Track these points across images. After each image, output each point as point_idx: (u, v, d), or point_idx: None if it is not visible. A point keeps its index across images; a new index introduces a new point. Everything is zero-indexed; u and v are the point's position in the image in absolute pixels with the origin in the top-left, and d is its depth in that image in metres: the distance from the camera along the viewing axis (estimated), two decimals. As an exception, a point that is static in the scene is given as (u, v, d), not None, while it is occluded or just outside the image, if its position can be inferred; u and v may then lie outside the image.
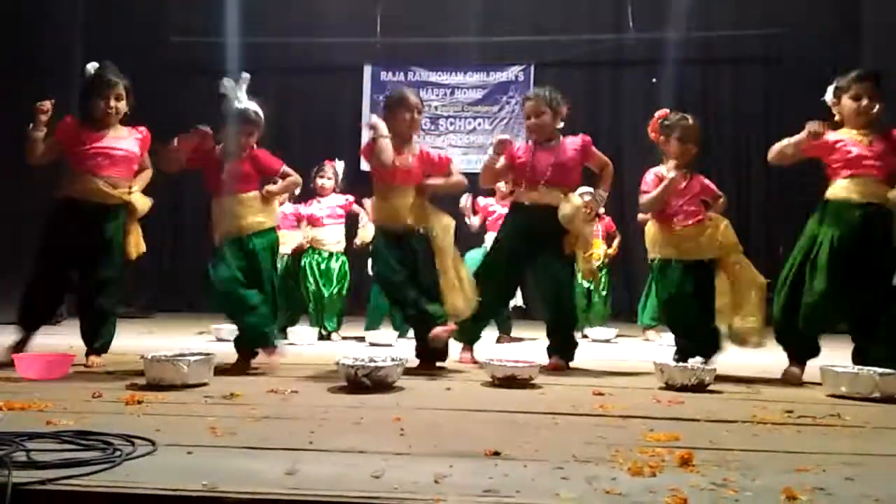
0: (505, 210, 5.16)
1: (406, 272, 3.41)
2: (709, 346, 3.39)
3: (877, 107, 3.17)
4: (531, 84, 8.18)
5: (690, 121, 3.51)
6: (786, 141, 3.27)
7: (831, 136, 3.21)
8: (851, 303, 3.15)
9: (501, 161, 3.58)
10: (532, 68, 8.30)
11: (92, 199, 3.29)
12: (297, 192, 5.44)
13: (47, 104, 3.24)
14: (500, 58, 8.35)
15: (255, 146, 3.44)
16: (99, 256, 3.31)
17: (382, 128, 3.40)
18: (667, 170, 3.49)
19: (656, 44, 7.80)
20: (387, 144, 3.36)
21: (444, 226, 3.49)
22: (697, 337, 3.42)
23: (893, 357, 3.01)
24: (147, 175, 3.56)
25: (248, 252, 3.34)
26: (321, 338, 5.21)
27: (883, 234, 3.13)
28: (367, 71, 8.45)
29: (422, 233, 3.45)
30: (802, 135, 3.20)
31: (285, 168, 3.54)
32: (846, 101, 3.21)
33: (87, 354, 3.35)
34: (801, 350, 3.27)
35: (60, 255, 3.31)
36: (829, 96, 3.28)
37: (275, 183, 3.48)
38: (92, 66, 3.38)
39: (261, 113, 3.44)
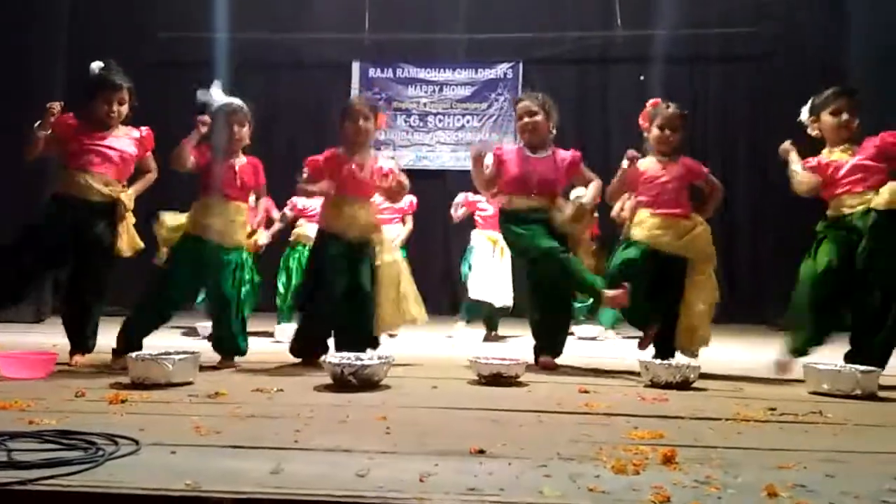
0: (492, 209, 5.22)
1: (345, 287, 3.39)
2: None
3: (856, 122, 3.19)
4: (520, 81, 8.19)
5: (673, 108, 3.50)
6: (795, 169, 3.27)
7: (823, 158, 3.23)
8: (850, 311, 3.20)
9: (490, 168, 3.55)
10: (521, 65, 8.30)
11: (82, 197, 3.27)
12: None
13: (57, 106, 3.23)
14: (489, 55, 8.35)
15: (248, 141, 3.48)
16: (87, 254, 3.30)
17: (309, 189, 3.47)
18: (656, 161, 3.49)
19: (644, 41, 7.83)
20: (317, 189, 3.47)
21: (388, 241, 3.56)
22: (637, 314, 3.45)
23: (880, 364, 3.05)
24: (150, 178, 3.54)
25: (215, 262, 3.32)
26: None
27: (884, 237, 3.08)
28: (356, 67, 8.42)
29: (367, 244, 3.46)
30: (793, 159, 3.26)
31: (263, 186, 3.59)
32: (825, 117, 3.22)
33: (72, 353, 3.33)
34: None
35: (47, 252, 3.28)
36: (804, 116, 3.31)
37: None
38: (97, 66, 3.35)
39: (243, 104, 3.44)
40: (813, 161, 3.27)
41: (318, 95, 8.30)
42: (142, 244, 3.46)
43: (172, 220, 3.49)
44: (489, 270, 5.31)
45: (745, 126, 7.94)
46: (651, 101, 3.60)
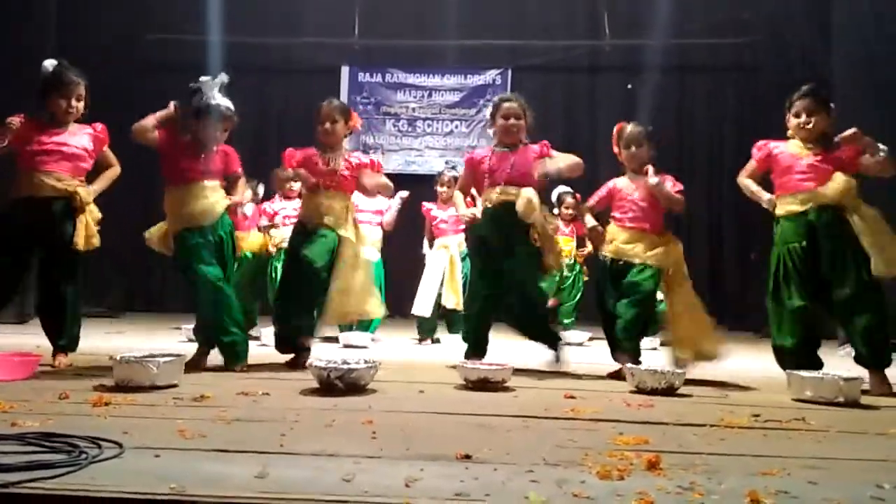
0: (446, 214, 5.31)
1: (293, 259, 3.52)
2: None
3: (812, 122, 3.27)
4: (508, 88, 8.23)
5: (633, 126, 3.62)
6: (753, 188, 3.46)
7: (775, 148, 3.35)
8: (828, 305, 3.23)
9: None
10: (509, 72, 8.34)
11: (41, 196, 3.25)
12: (262, 192, 5.53)
13: (17, 121, 3.21)
14: (478, 61, 8.39)
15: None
16: (55, 250, 3.28)
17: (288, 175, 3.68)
18: (628, 179, 3.60)
19: (632, 50, 7.89)
20: (303, 174, 3.61)
21: (356, 237, 3.58)
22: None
23: (878, 357, 3.12)
24: (112, 173, 3.52)
25: (216, 241, 3.36)
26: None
27: (838, 231, 3.17)
28: (345, 72, 8.44)
29: (333, 232, 3.51)
30: (762, 196, 3.41)
31: (239, 170, 3.59)
32: (790, 117, 3.36)
33: (54, 354, 3.30)
34: (803, 367, 3.16)
35: (14, 252, 3.26)
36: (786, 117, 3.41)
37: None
38: (50, 64, 3.33)
39: (233, 108, 3.46)
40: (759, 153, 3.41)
41: (308, 99, 8.24)
42: (97, 242, 3.39)
43: (156, 230, 3.46)
44: (434, 282, 5.34)
45: (732, 135, 8.02)
46: (617, 126, 3.69)
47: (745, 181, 3.49)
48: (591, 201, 3.73)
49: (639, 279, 3.44)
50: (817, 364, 3.21)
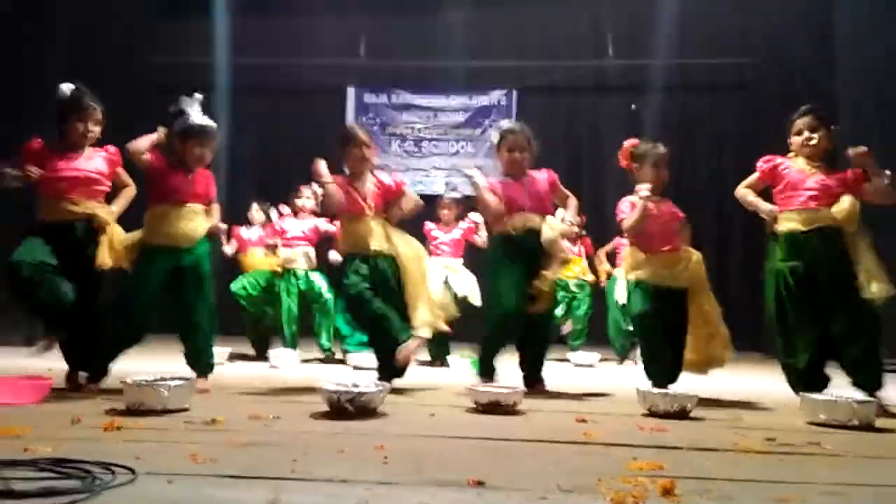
0: (447, 238, 5.32)
1: (372, 289, 3.53)
2: (671, 372, 3.46)
3: (815, 139, 3.28)
4: (513, 108, 8.28)
5: (662, 148, 3.61)
6: (750, 198, 3.46)
7: (781, 164, 3.35)
8: (827, 325, 3.21)
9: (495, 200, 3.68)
10: (514, 93, 8.40)
11: (62, 220, 3.27)
12: (275, 216, 5.60)
13: (36, 172, 3.22)
14: (483, 82, 8.45)
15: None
16: (82, 274, 3.27)
17: (325, 174, 3.57)
18: (638, 196, 3.55)
19: (636, 70, 7.94)
20: (334, 189, 3.55)
21: (409, 247, 3.64)
22: (661, 358, 3.49)
23: (872, 379, 3.11)
24: (129, 193, 3.54)
25: (192, 263, 3.37)
26: (325, 360, 5.34)
27: (838, 254, 3.19)
28: (351, 93, 8.51)
29: (388, 254, 3.56)
30: (760, 206, 3.41)
31: (215, 195, 3.61)
32: (792, 137, 3.36)
33: (68, 375, 3.32)
34: (812, 385, 3.17)
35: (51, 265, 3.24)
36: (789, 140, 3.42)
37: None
38: (67, 87, 3.35)
39: (215, 127, 3.51)
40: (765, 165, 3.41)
41: (314, 120, 8.36)
42: (126, 263, 3.39)
43: (127, 239, 3.45)
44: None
45: (734, 153, 8.03)
46: (629, 141, 3.68)
47: (743, 191, 3.48)
48: (629, 221, 3.60)
49: (680, 306, 3.48)
50: (824, 381, 3.21)
